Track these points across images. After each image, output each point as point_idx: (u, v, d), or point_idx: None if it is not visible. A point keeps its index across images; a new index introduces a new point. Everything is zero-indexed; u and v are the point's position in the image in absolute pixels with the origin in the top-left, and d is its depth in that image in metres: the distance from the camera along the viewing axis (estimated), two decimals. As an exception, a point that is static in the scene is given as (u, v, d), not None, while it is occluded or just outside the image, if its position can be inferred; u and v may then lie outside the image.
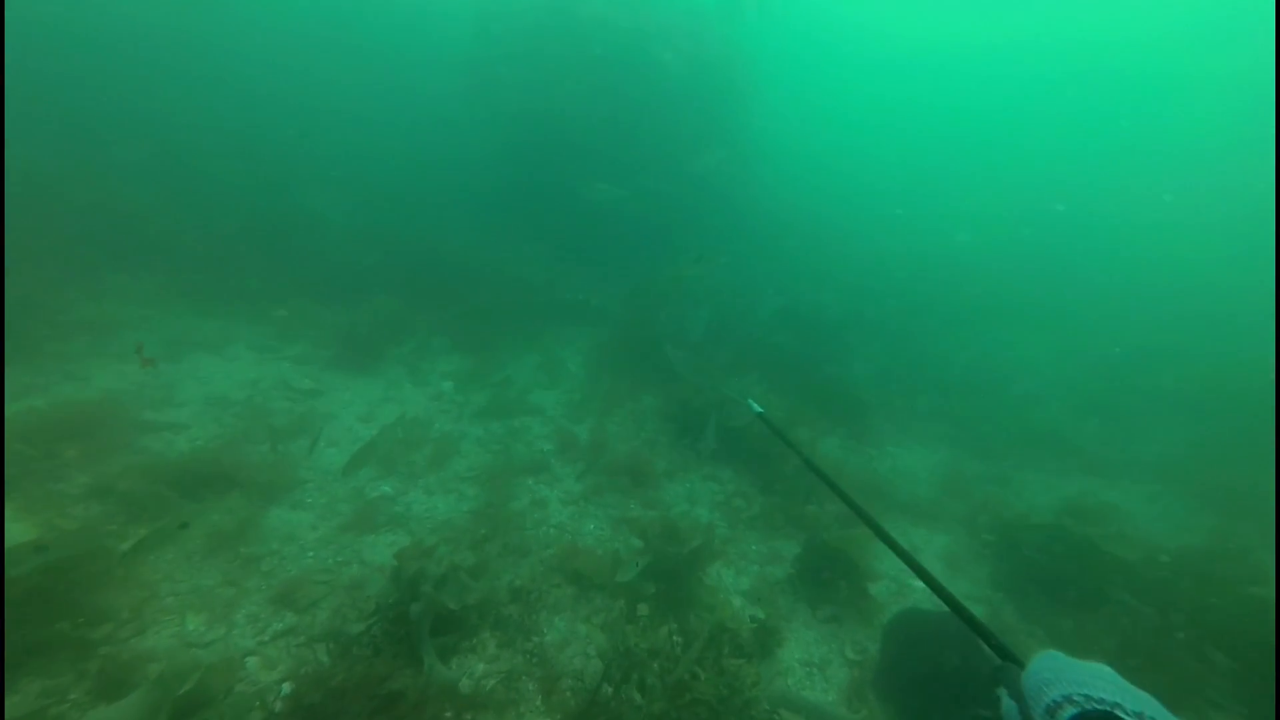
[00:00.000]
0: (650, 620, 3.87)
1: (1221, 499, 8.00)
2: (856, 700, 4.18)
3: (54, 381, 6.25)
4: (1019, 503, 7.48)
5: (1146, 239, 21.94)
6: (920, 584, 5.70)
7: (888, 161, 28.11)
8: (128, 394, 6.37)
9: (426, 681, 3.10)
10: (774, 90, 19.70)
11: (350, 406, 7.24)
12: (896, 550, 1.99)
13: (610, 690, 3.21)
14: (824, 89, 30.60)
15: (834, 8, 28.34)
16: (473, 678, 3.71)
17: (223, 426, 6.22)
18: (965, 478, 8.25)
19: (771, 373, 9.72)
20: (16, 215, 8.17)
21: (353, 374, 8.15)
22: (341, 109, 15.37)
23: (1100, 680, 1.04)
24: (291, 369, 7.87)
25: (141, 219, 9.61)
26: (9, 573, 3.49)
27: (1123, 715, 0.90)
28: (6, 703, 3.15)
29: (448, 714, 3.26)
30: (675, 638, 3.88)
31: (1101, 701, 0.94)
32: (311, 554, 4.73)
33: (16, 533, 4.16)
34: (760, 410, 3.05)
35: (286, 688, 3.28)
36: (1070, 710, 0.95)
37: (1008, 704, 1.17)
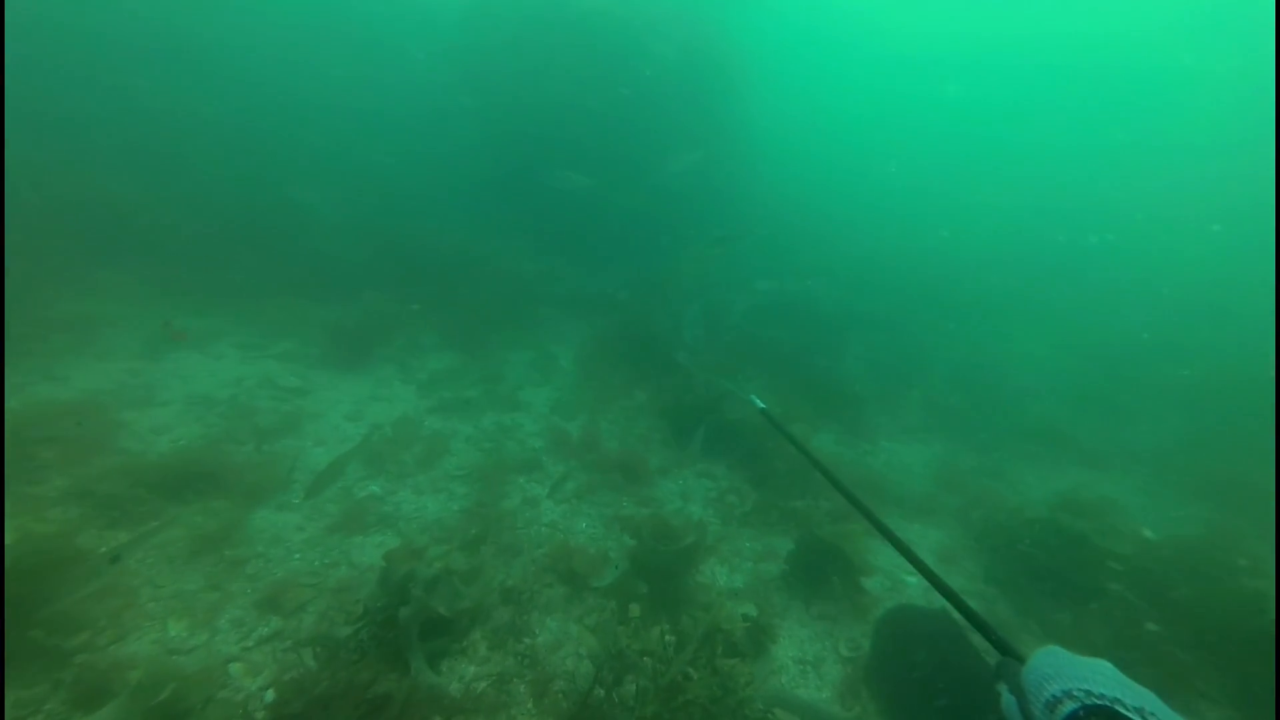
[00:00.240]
0: (642, 621, 3.82)
1: (1213, 490, 8.07)
2: (850, 698, 4.16)
3: (31, 381, 6.09)
4: (1013, 496, 7.50)
5: (1143, 233, 22.09)
6: (915, 579, 5.70)
7: (884, 156, 28.10)
8: (108, 393, 6.22)
9: (412, 686, 3.03)
10: (769, 83, 19.60)
11: (338, 405, 7.12)
12: (901, 549, 1.94)
13: (602, 693, 3.15)
14: (819, 83, 30.53)
15: (830, 1, 28.20)
16: (463, 681, 3.65)
17: (206, 426, 6.09)
18: (960, 471, 8.25)
19: (765, 367, 9.70)
20: (-9, 210, 7.94)
21: (341, 372, 8.02)
22: (329, 100, 15.09)
23: (1100, 676, 1.04)
24: (277, 367, 7.73)
25: (123, 212, 9.39)
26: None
27: (1122, 710, 0.91)
28: (-22, 714, 3.05)
29: (436, 719, 3.19)
30: (668, 638, 3.83)
31: (1101, 697, 0.94)
32: (298, 556, 4.64)
33: (-11, 538, 4.04)
34: (763, 406, 3.04)
35: (270, 695, 3.20)
36: (1070, 705, 0.95)
37: (1008, 699, 1.17)
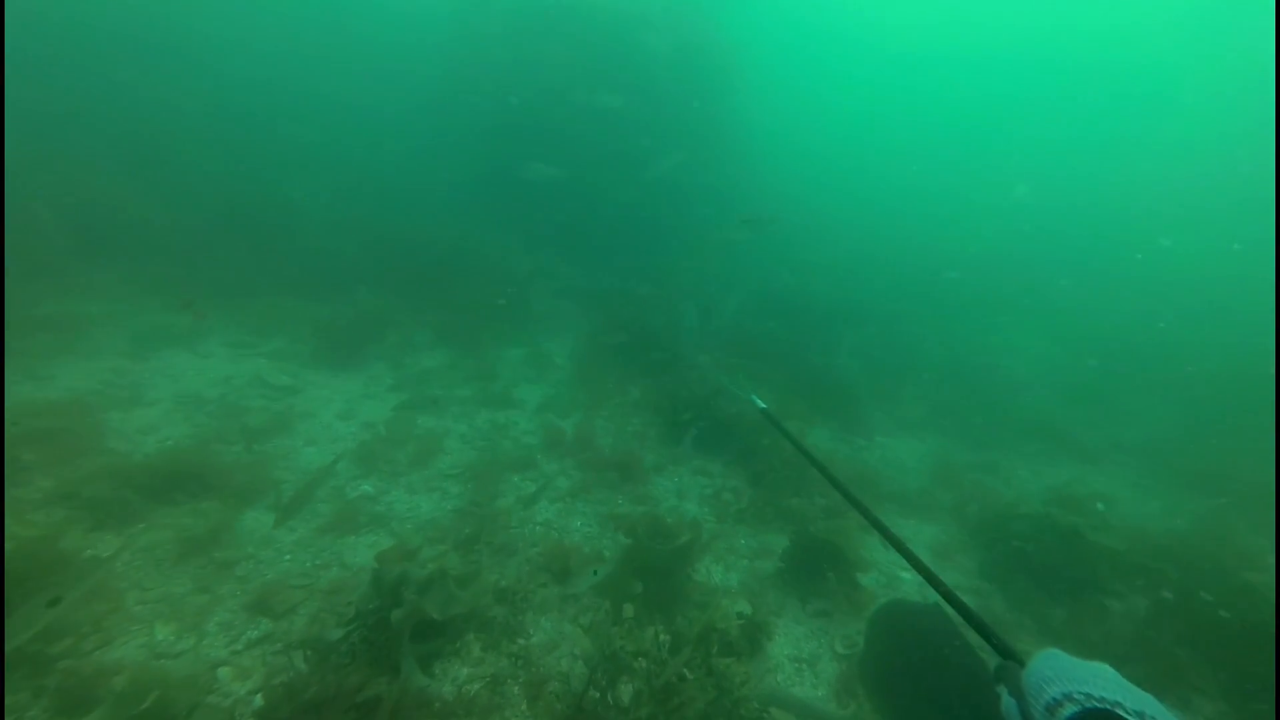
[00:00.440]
0: (636, 621, 3.78)
1: (1205, 482, 8.12)
2: (846, 696, 4.15)
3: (14, 381, 5.98)
4: (1007, 491, 7.53)
5: (1138, 230, 22.17)
6: (910, 575, 5.68)
7: (880, 151, 28.06)
8: (93, 393, 6.12)
9: (403, 690, 2.99)
10: (764, 78, 19.50)
11: (329, 404, 7.04)
12: (901, 549, 1.93)
13: (597, 695, 3.12)
14: (815, 78, 30.41)
15: (825, -4, 28.11)
16: (456, 683, 3.61)
17: (195, 426, 6.00)
18: (954, 467, 8.27)
19: (761, 363, 9.67)
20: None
21: (332, 370, 7.94)
22: (318, 94, 14.88)
23: (1101, 679, 1.04)
24: (268, 365, 7.64)
25: (108, 208, 9.23)
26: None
27: (1123, 714, 0.91)
28: (-42, 723, 2.99)
29: (429, 722, 3.15)
30: (663, 637, 3.81)
31: (1102, 700, 0.95)
32: (289, 557, 4.58)
33: (-29, 542, 3.95)
34: (764, 406, 3.06)
35: (258, 700, 3.15)
36: (1071, 708, 0.96)
37: (1007, 701, 1.18)
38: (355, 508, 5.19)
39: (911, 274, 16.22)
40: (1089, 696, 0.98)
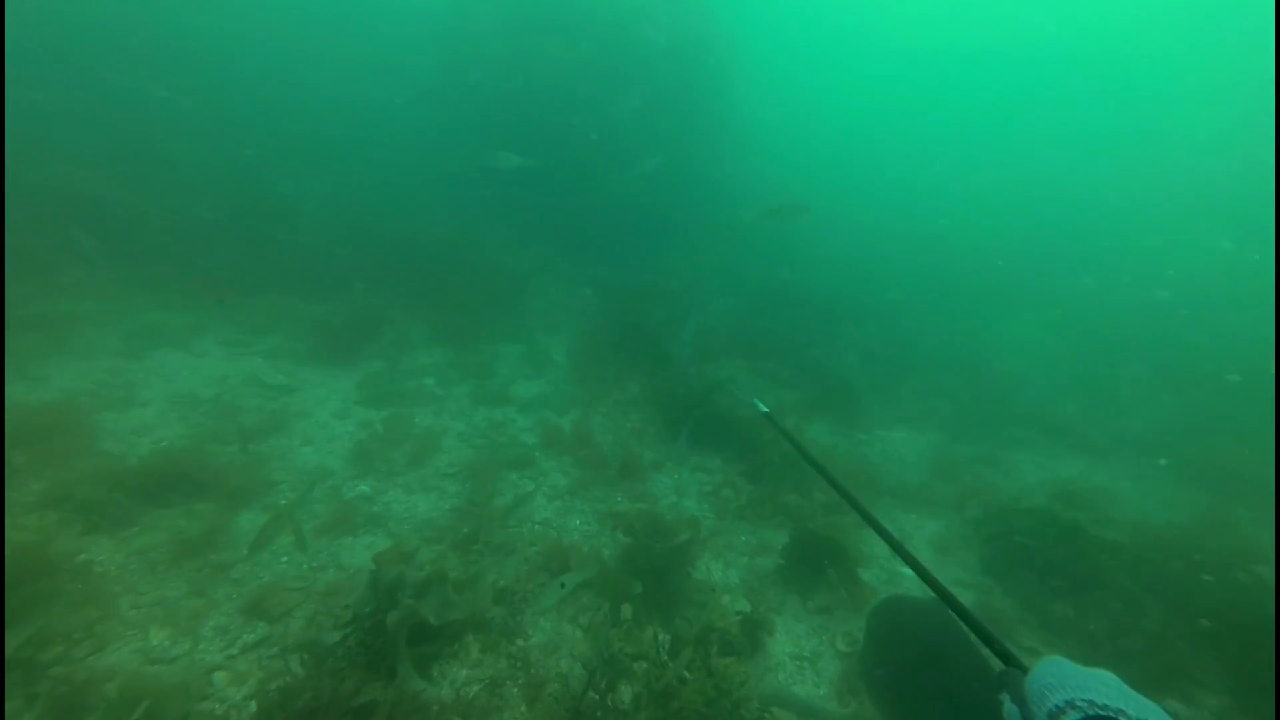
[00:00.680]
0: (635, 622, 3.75)
1: (1207, 474, 8.09)
2: (848, 694, 4.12)
3: (7, 381, 5.91)
4: (1008, 485, 7.49)
5: (1134, 222, 22.09)
6: (909, 571, 5.66)
7: (881, 146, 27.89)
8: (87, 393, 6.06)
9: (399, 694, 2.95)
10: (764, 72, 19.33)
11: (326, 403, 6.99)
12: (903, 554, 1.92)
13: (596, 697, 3.08)
14: (815, 72, 30.17)
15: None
16: (454, 685, 3.58)
17: (190, 426, 5.94)
18: (954, 461, 8.24)
19: (760, 357, 9.62)
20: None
21: (329, 368, 7.87)
22: (312, 90, 14.71)
23: (1104, 686, 1.04)
24: (263, 364, 7.57)
25: (99, 205, 9.12)
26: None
27: None
28: (-51, 732, 2.95)
29: (426, 727, 3.12)
30: (661, 636, 3.78)
31: (1105, 708, 0.95)
32: (285, 559, 4.54)
33: (-39, 547, 3.91)
34: (766, 410, 3.06)
35: (253, 706, 3.11)
36: (1074, 715, 0.97)
37: (1010, 708, 1.19)
38: (352, 508, 5.15)
39: (912, 268, 16.14)
40: (1091, 704, 0.98)
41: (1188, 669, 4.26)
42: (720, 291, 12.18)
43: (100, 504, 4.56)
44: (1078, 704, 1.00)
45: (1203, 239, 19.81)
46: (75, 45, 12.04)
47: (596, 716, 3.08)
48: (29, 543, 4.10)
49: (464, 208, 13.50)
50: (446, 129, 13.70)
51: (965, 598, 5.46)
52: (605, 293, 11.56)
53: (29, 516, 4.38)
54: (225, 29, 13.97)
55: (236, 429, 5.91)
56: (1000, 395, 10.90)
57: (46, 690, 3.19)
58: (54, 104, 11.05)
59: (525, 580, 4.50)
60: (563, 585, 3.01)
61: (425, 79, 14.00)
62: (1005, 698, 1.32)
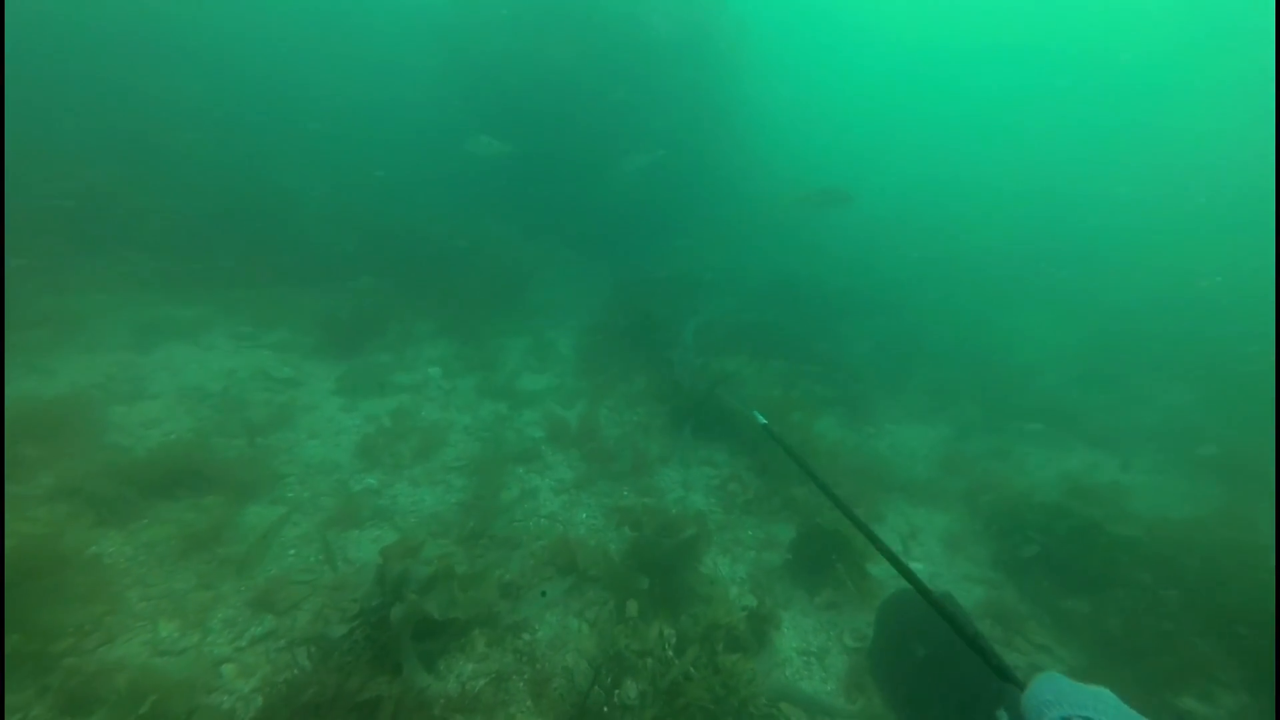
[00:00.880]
0: (641, 618, 3.72)
1: (1224, 467, 7.94)
2: (856, 690, 4.08)
3: (16, 375, 5.96)
4: (1020, 479, 7.38)
5: (1149, 212, 21.69)
6: (920, 565, 5.56)
7: (886, 138, 27.51)
8: (95, 387, 6.09)
9: (404, 689, 2.94)
10: (773, 65, 19.04)
11: (333, 396, 6.99)
12: (900, 568, 1.91)
13: (602, 694, 3.06)
14: (821, 64, 29.71)
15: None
16: (460, 679, 3.57)
17: (198, 419, 5.97)
18: (964, 455, 8.14)
19: (766, 351, 9.52)
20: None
21: (336, 361, 7.87)
22: (316, 82, 14.66)
23: (1100, 703, 1.06)
24: (271, 357, 7.59)
25: (104, 199, 9.14)
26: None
27: None
28: (-38, 723, 2.98)
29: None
30: (667, 631, 3.75)
31: None
32: (293, 552, 4.55)
33: (-27, 540, 3.94)
34: (764, 421, 3.13)
35: (259, 700, 3.12)
36: None
37: None
38: (359, 501, 5.15)
39: (921, 261, 15.93)
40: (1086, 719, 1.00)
41: (1206, 667, 4.18)
42: (725, 284, 12.07)
43: (109, 497, 4.59)
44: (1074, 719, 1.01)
45: (1215, 234, 19.41)
46: (80, 41, 12.04)
47: (603, 713, 3.06)
48: (40, 535, 4.13)
49: (469, 201, 13.44)
50: (451, 123, 13.60)
51: (975, 594, 5.41)
52: (611, 285, 11.48)
53: (40, 509, 4.41)
54: (227, 25, 13.92)
55: (244, 423, 5.93)
56: (1011, 388, 10.75)
57: (58, 682, 3.21)
58: (60, 100, 11.08)
59: (531, 575, 4.49)
60: (544, 594, 2.97)
61: (428, 73, 13.88)
62: (1002, 714, 1.33)
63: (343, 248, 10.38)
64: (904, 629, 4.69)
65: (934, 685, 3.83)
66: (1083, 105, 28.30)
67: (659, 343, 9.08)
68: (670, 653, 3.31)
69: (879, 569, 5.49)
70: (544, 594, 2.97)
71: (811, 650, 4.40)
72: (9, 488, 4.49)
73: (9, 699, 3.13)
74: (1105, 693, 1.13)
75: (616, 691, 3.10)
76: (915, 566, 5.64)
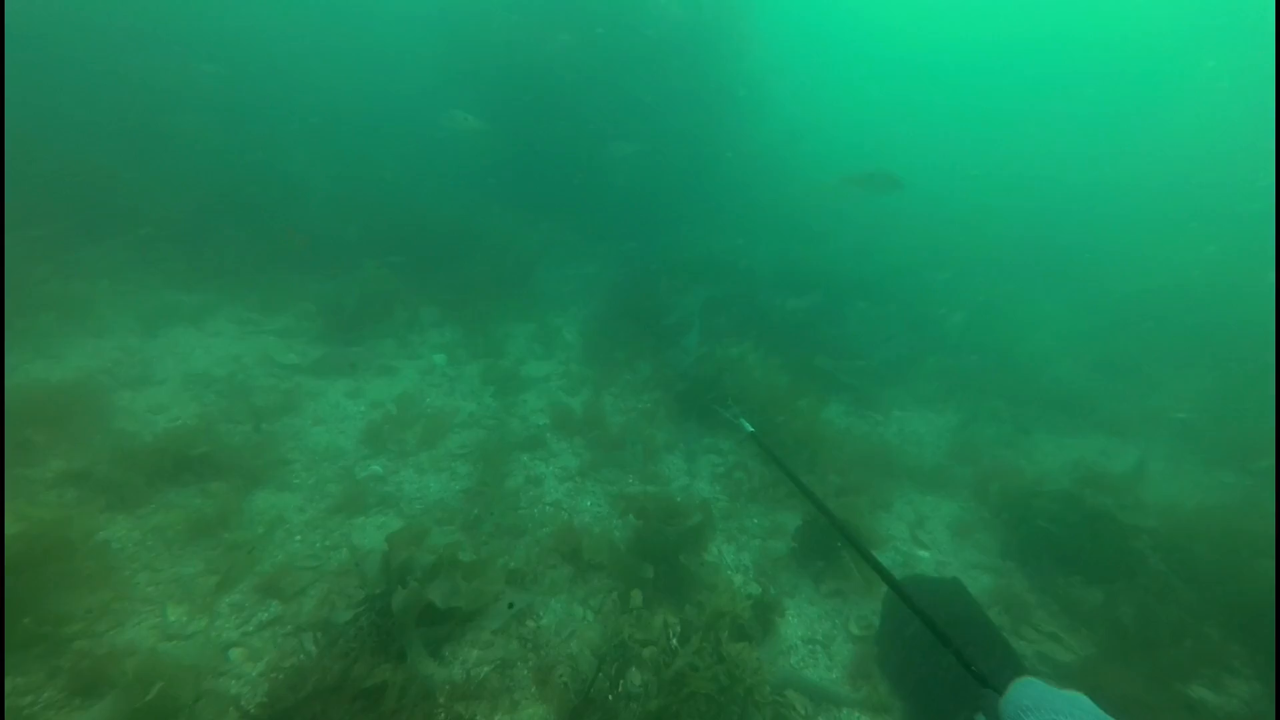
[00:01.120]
0: (646, 608, 3.70)
1: (1239, 453, 7.80)
2: (861, 678, 4.07)
3: (24, 360, 5.99)
4: (1030, 467, 7.29)
5: (1157, 196, 21.21)
6: (928, 553, 5.51)
7: (895, 127, 26.95)
8: (103, 372, 6.12)
9: (408, 676, 2.94)
10: (778, 52, 18.57)
11: (338, 382, 6.99)
12: (885, 577, 1.96)
13: (606, 684, 3.05)
14: (829, 53, 29.00)
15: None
16: (465, 666, 3.58)
17: (204, 405, 5.98)
18: (973, 442, 8.04)
19: (771, 336, 9.39)
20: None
21: (340, 347, 7.85)
22: (318, 68, 14.47)
23: (1078, 710, 1.08)
24: (276, 343, 7.59)
25: (110, 184, 9.11)
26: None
27: None
28: (-23, 704, 3.02)
29: (436, 707, 3.12)
30: (671, 619, 3.73)
31: None
32: (299, 538, 4.57)
33: (-16, 524, 3.98)
34: (752, 429, 3.30)
35: (266, 686, 3.14)
36: None
37: None
38: (364, 488, 5.16)
39: (932, 247, 15.65)
40: None
41: (1218, 656, 4.13)
42: (731, 271, 11.89)
43: (117, 482, 4.62)
44: None
45: (1222, 224, 18.92)
46: (86, 30, 11.91)
47: (607, 702, 3.05)
48: (50, 520, 4.16)
49: (473, 186, 13.30)
50: (453, 104, 13.39)
51: (983, 581, 5.37)
52: (617, 272, 11.36)
53: (49, 493, 4.45)
54: (232, 14, 13.72)
55: (249, 409, 5.94)
56: (1022, 375, 10.59)
57: (69, 664, 3.25)
58: (68, 87, 11.00)
59: (536, 562, 4.49)
60: (510, 606, 2.94)
61: (430, 59, 13.63)
62: (979, 718, 1.34)
63: (347, 234, 10.31)
64: (908, 616, 4.68)
65: (939, 674, 3.81)
66: (1097, 94, 27.75)
67: (664, 329, 8.99)
68: (675, 642, 3.29)
69: (885, 557, 5.47)
70: (511, 605, 2.94)
71: (817, 638, 4.39)
72: (19, 471, 4.53)
73: (22, 680, 3.17)
74: (1082, 698, 1.13)
75: (621, 681, 3.09)
76: (922, 555, 5.62)
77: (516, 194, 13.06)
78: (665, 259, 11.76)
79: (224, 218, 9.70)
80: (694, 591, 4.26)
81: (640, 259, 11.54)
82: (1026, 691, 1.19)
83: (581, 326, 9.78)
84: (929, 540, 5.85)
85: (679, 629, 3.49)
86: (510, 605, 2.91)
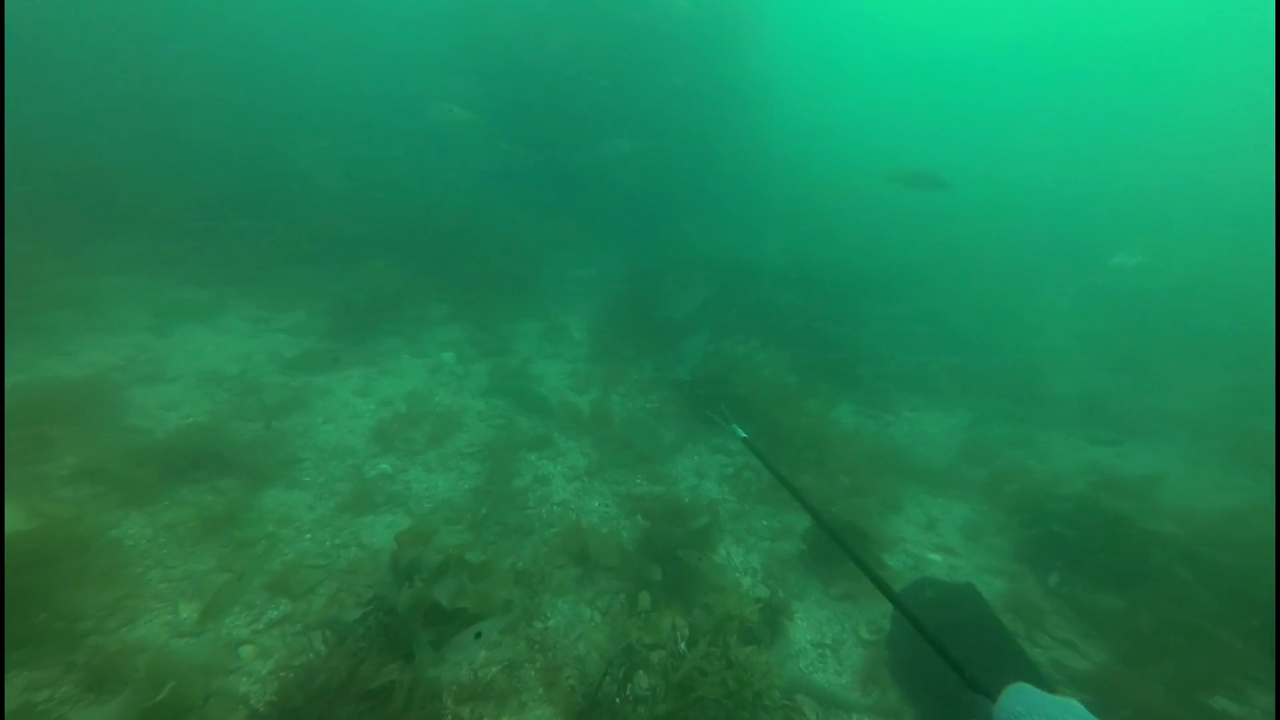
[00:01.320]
0: (654, 610, 3.67)
1: (1260, 454, 7.63)
2: (871, 683, 4.02)
3: (39, 356, 6.07)
4: (1044, 469, 7.18)
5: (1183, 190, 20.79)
6: (940, 557, 5.43)
7: (900, 118, 26.65)
8: (116, 369, 6.18)
9: (415, 677, 2.94)
10: (786, 44, 18.37)
11: (346, 380, 7.02)
12: (874, 579, 2.06)
13: (614, 687, 3.03)
14: (833, 45, 28.69)
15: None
16: (473, 666, 3.58)
17: (215, 403, 6.03)
18: (985, 442, 7.93)
19: (779, 335, 9.31)
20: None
21: (349, 345, 7.89)
22: (323, 68, 14.51)
23: (1070, 716, 1.10)
24: (286, 341, 7.63)
25: (120, 182, 9.20)
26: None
27: None
28: (-8, 699, 3.06)
29: (443, 708, 3.12)
30: (678, 621, 3.71)
31: None
32: (308, 536, 4.59)
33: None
34: (744, 435, 3.36)
35: (275, 685, 3.15)
36: None
37: None
38: (373, 487, 5.17)
39: (944, 246, 15.44)
40: None
41: (1241, 665, 4.03)
42: (740, 269, 11.80)
43: (130, 479, 4.66)
44: None
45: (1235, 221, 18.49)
46: (95, 29, 12.02)
47: (615, 704, 3.03)
48: (64, 516, 4.21)
49: (481, 185, 13.30)
50: (458, 101, 13.38)
51: (995, 586, 5.30)
52: (624, 269, 11.30)
53: (64, 489, 4.50)
54: (240, 13, 13.79)
55: (259, 406, 5.97)
56: (1035, 375, 10.43)
57: (83, 660, 3.28)
58: (79, 86, 11.11)
59: (543, 562, 4.48)
60: (478, 635, 2.90)
61: (437, 58, 13.60)
62: None
63: (356, 231, 10.34)
64: (922, 621, 4.62)
65: (948, 675, 3.76)
66: (1105, 92, 27.33)
67: (672, 327, 8.94)
68: (683, 645, 3.26)
69: (896, 560, 5.41)
70: (479, 635, 2.91)
71: (826, 642, 4.34)
72: (35, 468, 4.59)
73: (38, 675, 3.21)
74: (1074, 704, 1.14)
75: (629, 685, 3.06)
76: (933, 559, 5.55)
77: (524, 192, 13.05)
78: (673, 256, 11.70)
79: (234, 215, 9.77)
80: (702, 593, 4.23)
81: (648, 256, 11.49)
82: (1019, 697, 1.20)
83: (589, 324, 9.75)
84: (940, 543, 5.77)
85: (687, 632, 3.46)
86: (478, 635, 2.88)
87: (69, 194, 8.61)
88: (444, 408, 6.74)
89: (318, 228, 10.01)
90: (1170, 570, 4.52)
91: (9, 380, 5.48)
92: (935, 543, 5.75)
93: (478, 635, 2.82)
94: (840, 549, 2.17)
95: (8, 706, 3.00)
